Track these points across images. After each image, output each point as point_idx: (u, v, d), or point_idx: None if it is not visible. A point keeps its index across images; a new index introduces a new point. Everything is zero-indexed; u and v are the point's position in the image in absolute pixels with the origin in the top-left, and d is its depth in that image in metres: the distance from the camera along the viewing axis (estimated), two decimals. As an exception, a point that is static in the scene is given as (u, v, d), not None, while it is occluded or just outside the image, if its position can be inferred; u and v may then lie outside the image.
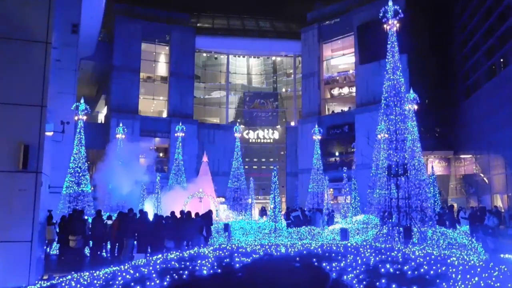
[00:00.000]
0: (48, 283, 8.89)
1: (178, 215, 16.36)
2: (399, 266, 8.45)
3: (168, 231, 15.68)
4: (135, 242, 15.70)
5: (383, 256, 9.23)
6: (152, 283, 7.79)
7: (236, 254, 9.34)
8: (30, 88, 10.80)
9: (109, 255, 17.15)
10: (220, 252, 9.82)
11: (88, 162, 23.36)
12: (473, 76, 42.40)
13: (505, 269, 8.27)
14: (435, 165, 38.69)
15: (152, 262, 9.42)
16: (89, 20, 31.74)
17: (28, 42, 10.94)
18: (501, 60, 36.35)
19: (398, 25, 18.48)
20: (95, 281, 8.26)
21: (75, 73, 30.22)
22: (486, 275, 7.86)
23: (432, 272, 8.16)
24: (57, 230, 17.68)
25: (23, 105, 10.66)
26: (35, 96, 10.79)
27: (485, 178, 39.22)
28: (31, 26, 11.02)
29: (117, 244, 16.44)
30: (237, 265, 8.61)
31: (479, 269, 8.28)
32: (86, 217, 18.22)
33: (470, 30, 42.61)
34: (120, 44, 46.21)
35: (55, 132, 17.19)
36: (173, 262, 9.06)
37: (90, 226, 17.22)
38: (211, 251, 9.95)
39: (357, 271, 8.21)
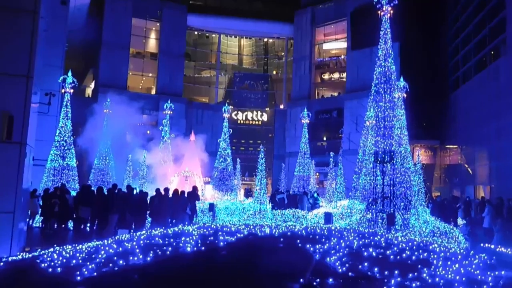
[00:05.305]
0: (30, 255, 8.83)
1: (163, 193, 16.31)
2: (381, 250, 8.55)
3: (152, 208, 15.69)
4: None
5: (366, 241, 9.33)
6: (135, 258, 7.78)
7: (220, 233, 9.36)
8: (16, 57, 10.58)
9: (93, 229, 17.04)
10: (205, 230, 9.84)
11: (74, 136, 23.05)
12: (463, 67, 42.53)
13: (485, 257, 8.41)
14: (421, 154, 39.02)
15: (136, 237, 9.41)
16: (79, -9, 31.15)
17: (16, 11, 10.68)
18: (492, 52, 36.45)
19: (391, 12, 18.36)
20: (78, 255, 8.23)
21: (63, 45, 29.71)
22: (467, 262, 7.99)
23: (413, 257, 8.27)
24: (40, 203, 17.55)
25: (8, 75, 10.45)
26: (21, 66, 10.57)
27: (469, 169, 39.68)
28: (19, -6, 10.75)
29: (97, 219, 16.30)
30: (221, 243, 8.64)
31: (459, 257, 8.42)
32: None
33: (463, 21, 42.59)
34: (110, 19, 45.38)
35: (41, 104, 16.95)
36: (157, 238, 9.06)
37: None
38: (195, 229, 9.96)
39: (340, 253, 8.29)
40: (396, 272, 7.40)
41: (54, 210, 16.76)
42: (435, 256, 8.32)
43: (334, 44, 52.06)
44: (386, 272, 7.44)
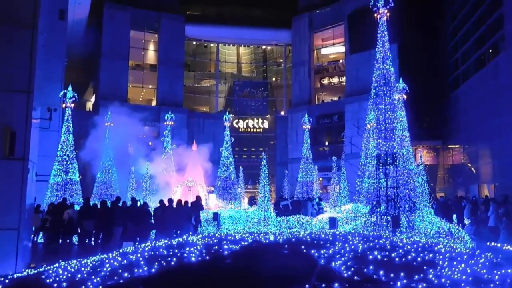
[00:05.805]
0: (36, 271, 8.81)
1: (167, 204, 16.31)
2: (387, 253, 8.51)
3: (156, 219, 15.68)
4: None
5: (371, 244, 9.29)
6: (140, 270, 7.76)
7: (224, 242, 9.34)
8: (16, 73, 10.62)
9: (97, 243, 17.03)
10: (209, 239, 9.83)
11: (76, 151, 23.09)
12: (463, 66, 42.56)
13: (491, 256, 8.36)
14: (424, 155, 38.97)
15: (140, 249, 9.39)
16: (76, 6, 31.35)
17: (15, 27, 10.74)
18: (490, 50, 36.50)
19: (388, 14, 18.41)
20: (83, 269, 8.22)
21: (63, 59, 29.84)
22: (473, 262, 7.95)
23: (419, 259, 8.22)
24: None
25: (8, 91, 10.49)
26: (22, 82, 10.62)
27: (472, 168, 39.57)
28: (17, 11, 10.82)
29: (101, 233, 16.29)
30: (226, 252, 8.62)
31: (465, 256, 8.37)
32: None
33: (461, 20, 42.66)
34: (108, 32, 45.59)
35: (42, 119, 17.00)
36: (161, 250, 9.04)
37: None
38: (199, 239, 9.94)
39: (345, 258, 8.25)
40: (402, 274, 7.36)
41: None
42: (441, 256, 8.29)
43: (332, 48, 52.26)
44: (391, 275, 7.40)
